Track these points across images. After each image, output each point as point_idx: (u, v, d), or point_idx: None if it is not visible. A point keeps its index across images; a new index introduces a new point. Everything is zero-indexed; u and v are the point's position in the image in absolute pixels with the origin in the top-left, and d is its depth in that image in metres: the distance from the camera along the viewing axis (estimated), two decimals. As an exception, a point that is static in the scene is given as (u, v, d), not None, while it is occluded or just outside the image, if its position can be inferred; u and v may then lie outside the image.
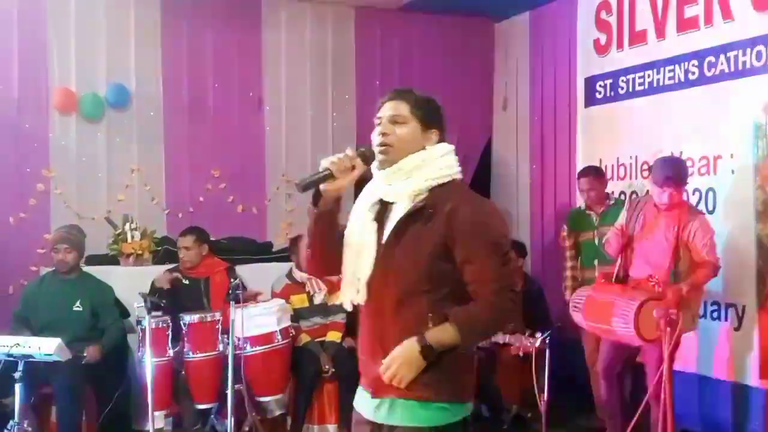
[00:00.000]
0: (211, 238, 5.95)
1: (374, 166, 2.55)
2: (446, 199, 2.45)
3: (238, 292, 4.78)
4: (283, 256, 6.28)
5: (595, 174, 5.93)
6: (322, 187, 2.50)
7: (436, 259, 2.42)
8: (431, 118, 2.57)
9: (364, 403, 2.58)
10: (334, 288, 5.80)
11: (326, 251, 2.62)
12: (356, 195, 2.68)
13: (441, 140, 2.58)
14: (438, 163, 2.51)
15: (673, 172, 4.72)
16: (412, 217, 2.46)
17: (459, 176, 2.56)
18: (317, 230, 2.59)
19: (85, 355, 4.99)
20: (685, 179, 4.83)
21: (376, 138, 2.54)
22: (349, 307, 2.58)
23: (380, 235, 2.53)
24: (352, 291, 2.56)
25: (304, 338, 5.64)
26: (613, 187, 6.14)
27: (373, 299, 2.51)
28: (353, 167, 2.49)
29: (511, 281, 2.46)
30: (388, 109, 2.55)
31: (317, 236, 2.60)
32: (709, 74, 5.44)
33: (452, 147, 2.59)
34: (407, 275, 2.44)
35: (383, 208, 2.56)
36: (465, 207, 2.44)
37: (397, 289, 2.45)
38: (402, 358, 2.40)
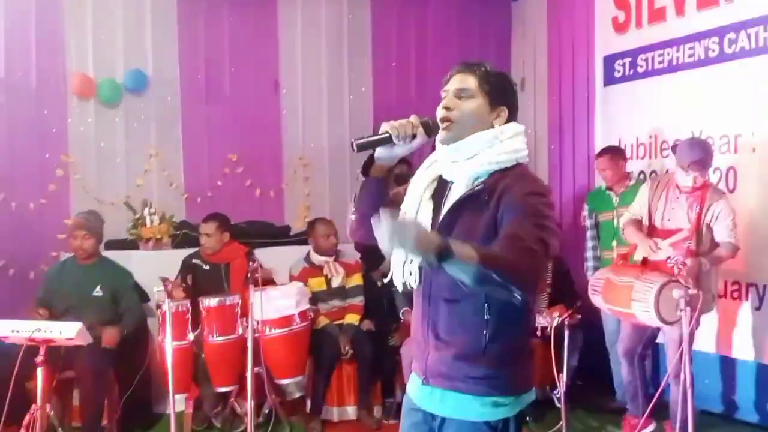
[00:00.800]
0: (231, 223, 5.96)
1: (438, 139, 2.43)
2: (503, 183, 2.30)
3: (256, 275, 4.79)
4: (301, 239, 6.29)
5: (613, 154, 5.87)
6: (376, 153, 2.41)
7: (488, 243, 2.22)
8: (501, 94, 2.41)
9: (415, 390, 2.50)
10: (352, 270, 5.82)
11: (371, 224, 2.40)
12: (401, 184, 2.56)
13: (511, 119, 2.43)
14: (504, 145, 2.36)
15: (700, 155, 4.66)
16: (467, 201, 2.34)
17: (525, 160, 2.41)
18: (365, 197, 2.48)
19: (102, 334, 5.02)
20: (711, 163, 4.77)
21: (439, 111, 2.41)
22: (401, 288, 2.46)
23: (436, 215, 2.41)
24: (405, 273, 2.43)
25: (323, 321, 5.65)
26: (633, 167, 6.09)
27: (426, 283, 2.41)
28: (414, 136, 2.37)
29: (542, 248, 2.16)
30: (454, 82, 2.42)
31: (364, 203, 2.46)
32: (729, 51, 5.37)
33: (523, 128, 2.44)
34: None
35: (442, 185, 2.45)
36: (515, 187, 2.28)
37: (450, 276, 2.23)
38: (417, 231, 2.05)
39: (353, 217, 2.54)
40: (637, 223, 4.96)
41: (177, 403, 4.73)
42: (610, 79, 6.47)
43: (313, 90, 7.22)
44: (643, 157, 6.13)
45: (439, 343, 2.38)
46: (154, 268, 5.22)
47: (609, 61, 6.46)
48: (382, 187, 2.46)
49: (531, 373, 2.47)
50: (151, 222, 6.04)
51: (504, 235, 2.21)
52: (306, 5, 7.20)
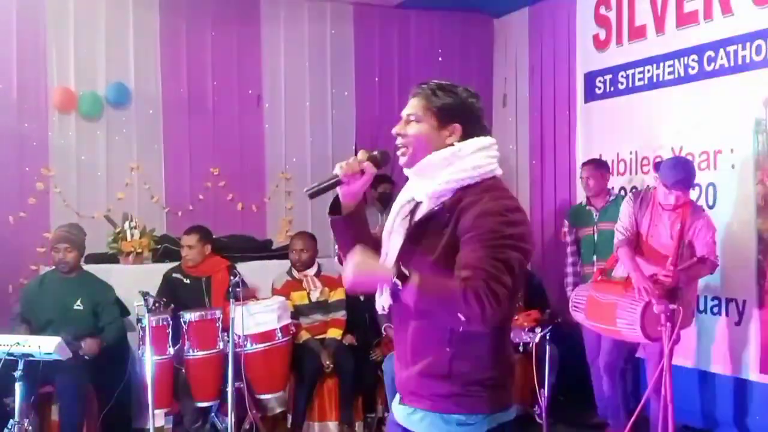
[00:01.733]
0: (213, 236, 5.95)
1: (400, 164, 2.45)
2: (464, 201, 2.29)
3: (238, 289, 4.78)
4: (283, 253, 6.27)
5: (597, 164, 5.95)
6: (339, 192, 2.42)
7: (447, 261, 2.25)
8: (451, 112, 2.38)
9: (396, 406, 2.52)
10: (335, 285, 5.81)
11: None
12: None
13: (471, 134, 2.39)
14: (464, 162, 2.34)
15: (682, 175, 4.67)
16: (429, 221, 2.35)
17: (491, 174, 2.38)
18: (340, 238, 2.49)
19: (82, 345, 4.98)
20: (693, 181, 4.79)
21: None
22: (380, 311, 2.44)
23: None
24: (381, 295, 2.42)
25: (304, 335, 5.64)
26: (614, 183, 6.13)
27: (398, 303, 2.36)
28: (362, 171, 2.38)
29: (492, 274, 2.16)
30: (407, 107, 2.44)
31: (342, 244, 2.48)
32: (709, 69, 5.43)
33: (488, 142, 2.41)
34: None
35: (415, 207, 2.45)
36: (472, 207, 2.26)
37: None
38: (371, 264, 2.24)
39: (338, 256, 2.56)
40: (631, 243, 4.89)
41: (157, 419, 4.71)
42: (590, 96, 6.53)
43: (296, 104, 7.22)
44: (623, 174, 6.18)
45: (409, 362, 2.41)
46: (134, 282, 5.20)
47: (590, 77, 6.53)
48: (354, 222, 2.46)
49: (506, 392, 2.43)
50: (132, 236, 6.00)
51: (457, 263, 2.22)
52: (289, 20, 7.21)
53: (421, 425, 2.39)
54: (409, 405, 2.43)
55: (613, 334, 4.75)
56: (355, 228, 2.46)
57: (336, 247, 2.57)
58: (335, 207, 2.45)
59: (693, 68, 5.55)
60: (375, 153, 2.43)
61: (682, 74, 5.64)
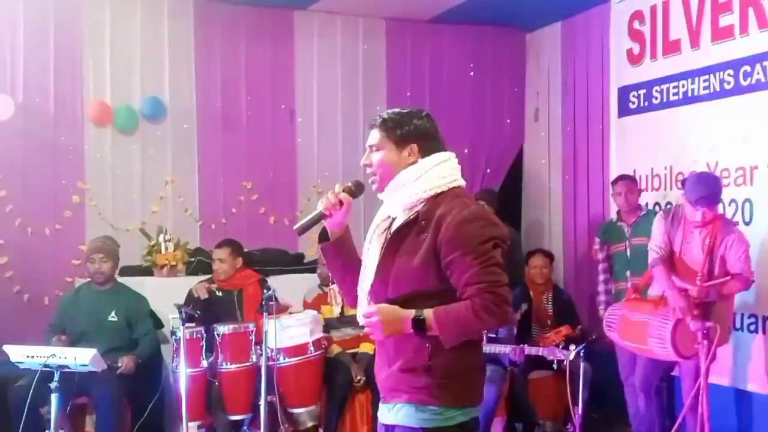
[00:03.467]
0: (244, 250, 5.98)
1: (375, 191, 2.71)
2: (438, 209, 2.52)
3: (271, 303, 4.79)
4: (315, 267, 6.29)
5: (629, 180, 5.92)
6: (325, 224, 2.69)
7: (428, 267, 2.49)
8: (404, 134, 2.62)
9: (381, 409, 2.68)
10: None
11: (352, 280, 2.73)
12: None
13: (429, 150, 2.62)
14: (429, 175, 2.58)
15: (706, 192, 4.61)
16: (406, 229, 2.56)
17: (456, 183, 2.63)
18: (330, 263, 2.78)
19: (119, 365, 5.02)
20: (719, 197, 4.74)
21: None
22: (360, 321, 2.62)
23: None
24: (360, 306, 2.65)
25: (336, 349, 5.64)
26: (648, 198, 6.07)
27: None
28: (341, 203, 2.63)
29: (491, 283, 2.44)
30: (368, 140, 2.70)
31: (333, 269, 2.79)
32: (745, 84, 5.37)
33: (447, 156, 2.65)
34: (404, 283, 2.52)
35: (392, 223, 2.66)
36: (450, 214, 2.48)
37: (396, 297, 2.53)
38: (392, 314, 2.48)
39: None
40: (666, 261, 4.83)
41: (190, 431, 4.71)
42: (624, 111, 6.48)
43: (328, 118, 7.26)
44: (658, 189, 6.12)
45: (391, 361, 2.59)
46: (168, 295, 5.24)
47: (624, 92, 6.48)
48: (341, 249, 2.73)
49: (477, 389, 2.62)
50: (166, 249, 6.06)
51: (457, 282, 2.47)
52: (322, 35, 7.26)
53: (398, 416, 2.55)
54: (390, 402, 2.59)
55: (646, 353, 4.71)
56: (343, 253, 2.74)
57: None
58: (324, 236, 2.72)
59: (729, 83, 5.49)
60: (349, 184, 2.70)
61: (718, 89, 5.58)
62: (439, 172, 2.60)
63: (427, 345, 2.49)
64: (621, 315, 4.78)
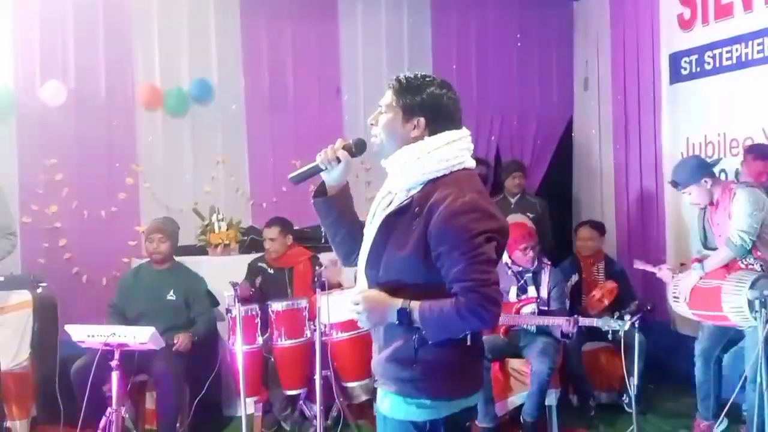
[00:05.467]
0: (295, 227, 6.03)
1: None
2: (433, 195, 2.38)
3: (323, 279, 4.83)
4: (366, 242, 6.30)
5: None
6: (323, 177, 2.61)
7: (418, 256, 2.37)
8: (414, 105, 2.47)
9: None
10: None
11: (340, 242, 2.69)
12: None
13: (438, 127, 2.47)
14: (431, 156, 2.42)
15: (674, 176, 4.79)
16: (399, 214, 2.44)
17: (461, 166, 2.46)
18: (322, 220, 2.67)
19: (176, 342, 5.12)
20: (694, 178, 4.69)
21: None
22: (351, 299, 2.57)
23: None
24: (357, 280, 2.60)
25: (389, 324, 5.66)
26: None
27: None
28: (339, 159, 2.55)
29: (478, 282, 2.31)
30: (382, 98, 2.57)
31: (325, 225, 2.68)
32: (800, 46, 5.24)
33: (458, 135, 2.48)
34: (393, 271, 2.43)
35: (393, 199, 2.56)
36: (443, 203, 2.33)
37: (385, 284, 2.44)
38: (377, 304, 2.42)
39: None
40: None
41: (247, 407, 4.80)
42: (676, 77, 6.36)
43: (374, 95, 7.14)
44: (711, 156, 6.00)
45: (381, 347, 2.54)
46: (223, 273, 5.29)
47: (675, 58, 6.35)
48: (333, 206, 2.63)
49: (469, 379, 2.53)
50: (219, 228, 6.13)
51: (445, 277, 2.34)
52: (366, 11, 7.24)
53: (386, 407, 2.52)
54: (380, 387, 2.56)
55: (720, 321, 4.59)
56: (336, 212, 2.64)
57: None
58: (321, 192, 2.63)
59: (784, 46, 5.36)
60: (350, 142, 2.59)
61: (773, 52, 5.45)
62: (442, 154, 2.42)
63: (415, 336, 2.40)
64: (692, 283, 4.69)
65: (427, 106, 2.47)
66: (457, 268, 2.31)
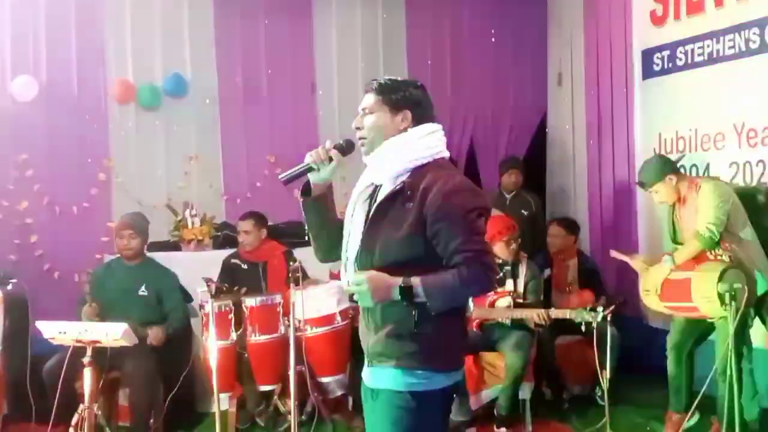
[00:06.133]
0: (269, 223, 6.01)
1: (362, 153, 2.72)
2: (423, 179, 2.56)
3: (297, 275, 4.82)
4: (340, 238, 6.31)
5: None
6: (309, 178, 2.72)
7: (414, 238, 2.53)
8: (398, 101, 2.65)
9: (365, 371, 2.74)
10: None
11: (324, 238, 2.81)
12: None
13: (420, 120, 2.66)
14: (416, 145, 2.62)
15: (639, 177, 4.95)
16: (393, 197, 2.59)
17: (441, 155, 2.66)
18: (309, 219, 2.78)
19: (148, 333, 5.08)
20: (657, 177, 4.84)
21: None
22: (345, 287, 2.67)
23: (369, 215, 2.67)
24: (345, 270, 2.70)
25: (363, 319, 5.66)
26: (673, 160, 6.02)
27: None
28: (330, 159, 2.68)
29: (477, 252, 2.51)
30: (362, 103, 2.71)
31: (311, 225, 2.79)
32: (771, 42, 5.29)
33: (436, 128, 2.68)
34: (389, 254, 2.55)
35: (375, 190, 2.69)
36: (436, 185, 2.53)
37: (381, 267, 2.55)
38: (381, 282, 2.52)
39: (310, 238, 2.84)
40: None
41: (221, 402, 4.77)
42: (648, 73, 6.40)
43: (349, 91, 7.24)
44: (683, 151, 6.05)
45: (377, 327, 2.63)
46: (196, 269, 5.27)
47: (647, 54, 6.40)
48: (322, 205, 2.77)
49: (460, 353, 2.75)
50: (193, 224, 6.11)
51: (443, 251, 2.52)
52: (341, 7, 7.24)
53: (388, 381, 2.60)
54: (378, 365, 2.64)
55: (691, 312, 4.64)
56: (323, 210, 2.78)
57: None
58: (307, 192, 2.75)
59: (754, 42, 5.40)
60: (341, 142, 2.73)
61: (744, 49, 5.49)
62: (427, 142, 2.63)
63: (414, 312, 2.53)
64: (663, 279, 4.74)
65: (411, 100, 2.67)
66: (457, 241, 2.49)
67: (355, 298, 2.58)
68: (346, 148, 2.72)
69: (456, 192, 2.53)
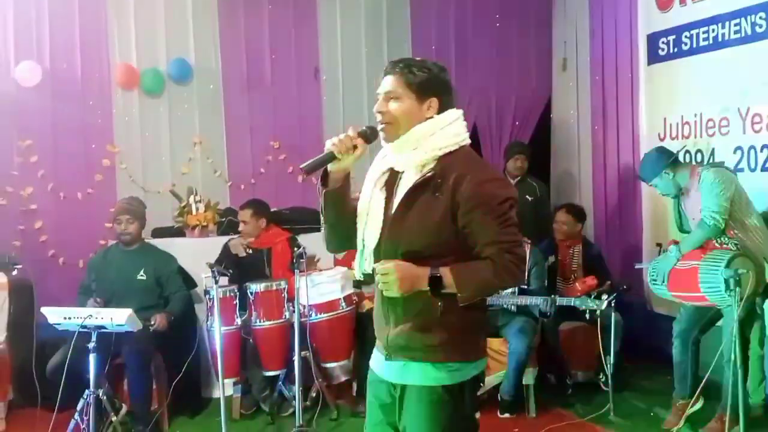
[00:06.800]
0: (273, 209, 6.01)
1: (382, 139, 2.62)
2: (453, 168, 2.49)
3: (302, 260, 4.83)
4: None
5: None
6: (329, 167, 2.59)
7: (444, 226, 2.47)
8: (426, 87, 2.55)
9: (379, 364, 2.67)
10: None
11: (340, 228, 2.70)
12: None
13: (446, 107, 2.58)
14: (445, 132, 2.54)
15: (640, 173, 5.04)
16: (421, 186, 2.51)
17: (466, 142, 2.59)
18: (327, 208, 2.66)
19: (152, 323, 5.09)
20: (649, 174, 4.94)
21: (375, 115, 2.61)
22: (359, 276, 2.64)
23: (389, 203, 2.59)
24: (361, 259, 2.64)
25: (367, 304, 5.67)
26: (677, 146, 5.99)
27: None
28: (355, 147, 2.55)
29: (511, 243, 2.47)
30: (383, 85, 2.59)
31: (328, 214, 2.67)
32: (777, 26, 5.26)
33: (460, 113, 2.60)
34: (416, 243, 2.49)
35: (393, 177, 2.61)
36: (468, 175, 2.46)
37: (406, 256, 2.49)
38: (408, 271, 2.45)
39: (324, 228, 2.74)
40: None
41: (226, 388, 4.80)
42: (653, 58, 6.37)
43: (353, 76, 7.22)
44: (688, 137, 6.03)
45: (397, 320, 2.56)
46: (201, 255, 5.27)
47: (653, 39, 6.36)
48: (341, 196, 2.64)
49: (483, 341, 2.70)
50: (197, 209, 6.11)
51: (475, 242, 2.47)
52: (345, -10, 7.21)
53: (416, 376, 2.54)
54: (399, 359, 2.57)
55: (699, 301, 4.64)
56: (342, 201, 2.66)
57: (323, 221, 2.73)
58: (324, 181, 2.63)
59: (760, 26, 5.36)
60: (365, 129, 2.60)
61: (749, 33, 5.45)
62: (454, 129, 2.56)
63: (440, 303, 2.47)
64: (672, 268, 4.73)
65: (439, 86, 2.58)
66: (490, 232, 2.45)
67: (380, 287, 2.51)
68: (371, 136, 2.59)
69: (489, 182, 2.49)
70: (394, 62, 2.61)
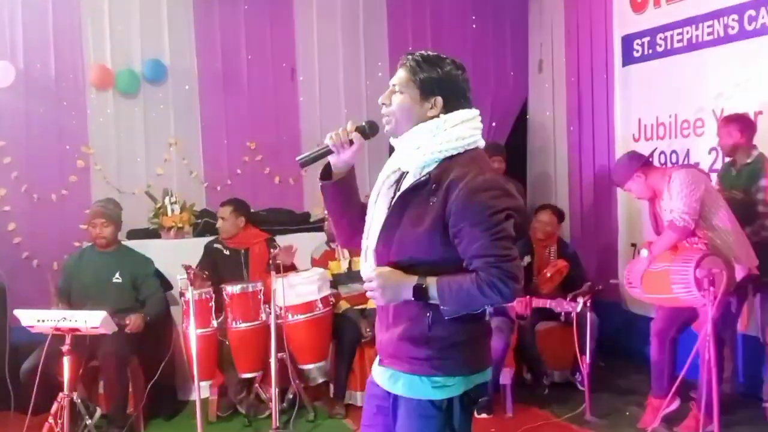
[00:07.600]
0: (250, 210, 5.99)
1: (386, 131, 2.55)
2: (451, 173, 2.36)
3: (278, 262, 4.81)
4: (321, 226, 6.30)
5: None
6: (330, 161, 2.54)
7: (435, 233, 2.35)
8: (432, 84, 2.44)
9: (376, 368, 2.62)
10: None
11: (347, 223, 2.64)
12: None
13: (453, 107, 2.45)
14: (447, 134, 2.40)
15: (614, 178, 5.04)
16: (414, 191, 2.40)
17: (475, 145, 2.45)
18: (329, 203, 2.62)
19: (127, 323, 5.05)
20: (621, 178, 4.96)
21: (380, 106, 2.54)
22: (365, 276, 2.52)
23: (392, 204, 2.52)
24: (365, 259, 2.55)
25: (344, 305, 5.67)
26: (652, 147, 6.04)
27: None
28: (351, 141, 2.50)
29: (500, 257, 2.31)
30: (394, 77, 2.51)
31: (331, 209, 2.64)
32: (749, 28, 5.31)
33: (471, 115, 2.47)
34: (407, 248, 2.40)
35: (401, 176, 2.52)
36: (463, 179, 2.32)
37: (398, 261, 2.41)
38: (392, 280, 2.39)
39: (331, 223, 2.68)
40: None
41: (202, 390, 4.78)
42: (628, 59, 6.42)
43: (329, 76, 7.21)
44: (663, 138, 6.09)
45: (390, 325, 2.49)
46: (176, 257, 5.26)
47: (627, 41, 6.41)
48: (342, 190, 2.59)
49: (482, 355, 2.52)
50: (172, 211, 6.07)
51: (464, 253, 2.34)
52: (321, -10, 7.19)
53: (400, 387, 2.46)
54: (389, 367, 2.50)
55: (672, 303, 4.67)
56: (344, 195, 2.60)
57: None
58: (327, 174, 2.57)
59: (733, 28, 5.43)
60: (363, 124, 2.53)
61: (722, 35, 5.52)
62: (459, 132, 2.41)
63: (428, 314, 2.38)
64: (645, 270, 4.76)
65: (444, 84, 2.46)
66: (477, 244, 2.31)
67: (368, 295, 2.46)
68: (369, 131, 2.52)
69: (484, 190, 2.31)
70: (409, 54, 2.51)
